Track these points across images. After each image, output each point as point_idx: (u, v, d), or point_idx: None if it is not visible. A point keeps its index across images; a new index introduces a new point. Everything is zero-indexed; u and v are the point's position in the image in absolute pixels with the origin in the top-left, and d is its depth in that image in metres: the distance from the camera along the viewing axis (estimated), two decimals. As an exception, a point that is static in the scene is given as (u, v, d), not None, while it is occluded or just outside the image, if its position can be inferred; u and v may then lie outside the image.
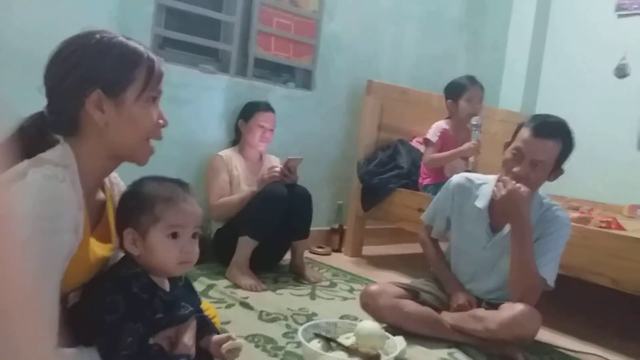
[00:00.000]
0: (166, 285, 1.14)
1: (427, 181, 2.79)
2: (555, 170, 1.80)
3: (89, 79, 1.00)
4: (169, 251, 1.09)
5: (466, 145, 2.63)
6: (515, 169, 1.75)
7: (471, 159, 2.71)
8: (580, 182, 3.69)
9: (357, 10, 3.19)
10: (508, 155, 1.80)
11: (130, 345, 1.00)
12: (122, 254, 1.15)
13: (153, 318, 1.06)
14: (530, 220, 1.73)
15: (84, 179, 1.01)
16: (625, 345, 2.04)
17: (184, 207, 1.11)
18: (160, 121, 1.10)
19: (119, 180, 1.24)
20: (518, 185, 1.70)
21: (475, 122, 2.64)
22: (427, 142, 2.78)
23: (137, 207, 1.10)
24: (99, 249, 1.08)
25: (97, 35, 1.02)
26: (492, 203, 1.85)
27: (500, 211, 1.82)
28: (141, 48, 1.06)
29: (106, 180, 1.17)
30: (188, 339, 1.11)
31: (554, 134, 1.75)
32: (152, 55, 1.07)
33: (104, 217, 1.13)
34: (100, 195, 1.14)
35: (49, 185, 0.92)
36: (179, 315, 1.11)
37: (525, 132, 1.77)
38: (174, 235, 1.09)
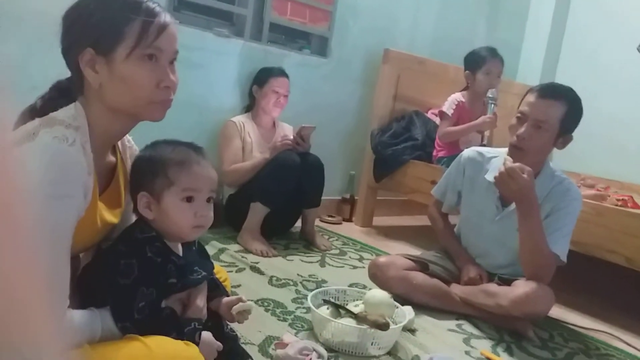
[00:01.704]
0: (179, 250, 1.14)
1: (441, 153, 2.75)
2: (563, 136, 1.76)
3: (81, 37, 0.96)
4: (183, 215, 1.07)
5: (482, 119, 2.59)
6: (519, 132, 1.73)
7: (487, 132, 2.66)
8: (596, 160, 3.65)
9: (376, -24, 3.11)
10: (513, 120, 1.78)
11: (142, 310, 1.00)
12: (133, 218, 1.15)
13: (166, 282, 1.06)
14: (536, 201, 1.69)
15: (94, 141, 0.99)
16: (636, 323, 2.03)
17: (198, 171, 1.09)
18: (163, 81, 0.99)
19: (132, 144, 1.21)
20: (519, 165, 1.65)
21: (491, 95, 2.59)
22: (442, 114, 2.74)
23: (150, 170, 1.08)
24: (107, 214, 1.07)
25: None
26: None
27: (506, 196, 1.80)
28: (140, 1, 0.98)
29: (118, 143, 1.14)
30: (200, 302, 1.12)
31: (557, 96, 1.73)
32: (153, 9, 0.98)
33: (114, 180, 1.11)
34: (111, 158, 1.11)
35: (58, 149, 0.90)
36: (191, 279, 1.11)
37: (530, 96, 1.76)
38: (189, 199, 1.08)
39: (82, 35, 0.96)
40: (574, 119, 1.76)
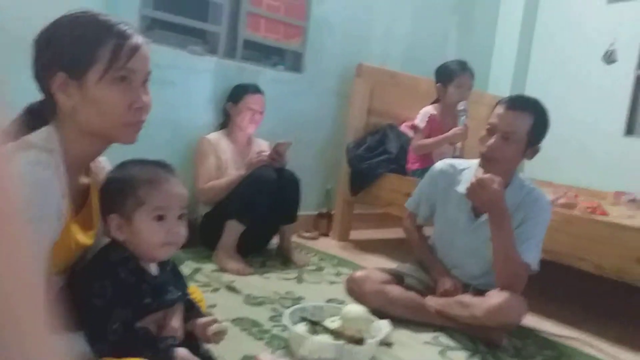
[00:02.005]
0: (154, 270, 1.14)
1: (415, 166, 2.79)
2: (531, 147, 1.81)
3: (53, 61, 0.97)
4: (155, 234, 1.08)
5: (453, 131, 2.64)
6: (488, 143, 1.78)
7: (458, 144, 2.71)
8: (567, 168, 3.74)
9: (348, -8, 3.16)
10: (483, 132, 1.83)
11: (117, 331, 1.00)
12: (106, 239, 1.14)
13: (141, 303, 1.06)
14: (507, 211, 1.74)
15: (68, 164, 0.99)
16: (607, 329, 2.07)
17: (167, 189, 1.10)
18: (134, 103, 1.01)
19: (106, 164, 1.20)
20: (489, 177, 1.70)
21: (461, 108, 2.65)
22: (415, 128, 2.78)
23: (120, 191, 1.08)
24: (81, 236, 1.07)
25: (68, 15, 0.99)
26: None
27: (478, 207, 1.84)
28: (111, 24, 0.99)
29: (92, 164, 1.14)
30: (175, 322, 1.12)
31: (525, 108, 1.79)
32: (125, 31, 1.00)
33: (88, 202, 1.11)
34: (84, 180, 1.11)
35: (33, 172, 0.90)
36: (166, 299, 1.12)
37: (499, 109, 1.81)
38: (160, 218, 1.08)
39: (54, 59, 0.97)
40: (541, 130, 1.81)
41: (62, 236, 0.97)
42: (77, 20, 0.99)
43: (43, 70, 0.98)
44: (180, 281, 1.22)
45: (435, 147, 2.71)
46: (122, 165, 1.14)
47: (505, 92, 3.84)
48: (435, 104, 2.83)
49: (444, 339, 1.79)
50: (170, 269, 1.20)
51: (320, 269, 2.45)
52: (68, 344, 0.97)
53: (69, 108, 0.98)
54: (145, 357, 1.00)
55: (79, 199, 1.09)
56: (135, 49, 1.00)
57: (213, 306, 1.77)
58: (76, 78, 0.97)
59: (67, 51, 0.97)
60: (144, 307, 1.07)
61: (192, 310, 1.23)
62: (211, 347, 1.27)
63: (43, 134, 0.98)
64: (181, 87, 2.56)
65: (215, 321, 1.19)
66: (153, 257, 1.12)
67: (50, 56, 0.98)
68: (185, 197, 1.14)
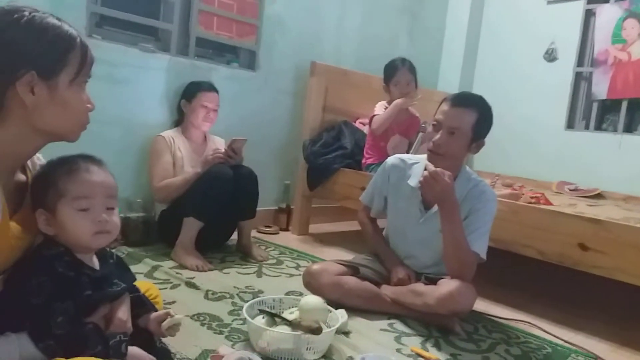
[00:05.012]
0: (95, 263, 1.13)
1: (370, 161, 2.86)
2: (476, 142, 1.90)
3: (22, 60, 0.98)
4: (79, 224, 1.07)
5: (400, 100, 2.74)
6: (434, 138, 1.86)
7: (415, 143, 2.80)
8: (514, 161, 3.92)
9: (300, -8, 3.19)
10: (429, 129, 1.90)
11: (62, 325, 0.99)
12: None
13: (82, 295, 1.04)
14: (457, 203, 1.81)
15: (0, 162, 0.99)
16: (550, 311, 2.20)
17: (86, 178, 1.08)
18: (89, 105, 1.09)
19: (43, 161, 1.19)
20: (441, 170, 1.77)
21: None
22: (374, 117, 2.85)
23: (42, 186, 1.08)
24: (22, 233, 1.05)
25: (27, 13, 0.99)
26: None
27: (429, 198, 1.91)
28: (74, 32, 1.05)
29: (28, 162, 1.13)
30: (122, 314, 1.11)
31: (469, 104, 1.87)
32: (85, 41, 1.07)
33: (27, 199, 1.10)
34: (22, 177, 1.11)
35: None
36: (110, 292, 1.11)
37: (444, 105, 1.89)
38: (83, 209, 1.07)
39: (24, 58, 0.98)
40: (485, 125, 1.90)
41: None
42: (43, 21, 1.00)
43: (6, 67, 0.97)
44: (126, 274, 1.21)
45: (390, 117, 2.75)
46: (48, 162, 1.13)
47: (454, 89, 3.98)
48: (389, 101, 2.90)
49: (399, 326, 1.85)
50: (114, 262, 1.19)
51: (279, 262, 2.49)
52: (8, 344, 0.96)
53: (32, 106, 0.99)
54: (96, 353, 0.98)
55: (17, 197, 1.08)
56: (93, 59, 1.08)
57: (172, 302, 1.78)
58: (46, 79, 0.99)
59: (42, 51, 0.99)
60: (85, 299, 1.05)
61: (143, 306, 1.22)
62: (171, 343, 1.28)
63: None
64: (134, 85, 2.53)
65: (168, 314, 1.20)
66: (87, 247, 1.11)
67: (19, 54, 0.98)
68: (112, 185, 1.13)
